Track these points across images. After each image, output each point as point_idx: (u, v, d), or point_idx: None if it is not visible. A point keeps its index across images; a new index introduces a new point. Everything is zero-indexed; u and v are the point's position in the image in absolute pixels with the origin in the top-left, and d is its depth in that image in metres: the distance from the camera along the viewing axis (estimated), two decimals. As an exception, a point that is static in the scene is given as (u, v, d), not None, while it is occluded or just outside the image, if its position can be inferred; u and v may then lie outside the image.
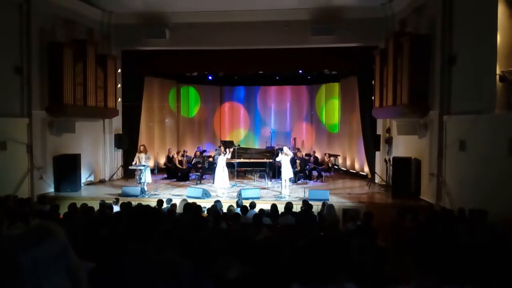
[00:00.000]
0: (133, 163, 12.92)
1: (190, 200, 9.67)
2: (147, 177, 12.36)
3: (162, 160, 16.91)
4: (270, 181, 14.45)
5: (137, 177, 12.53)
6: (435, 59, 10.61)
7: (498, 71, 8.17)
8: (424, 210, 9.82)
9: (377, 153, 14.24)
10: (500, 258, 3.82)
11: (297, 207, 9.40)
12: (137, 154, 13.17)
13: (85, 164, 13.52)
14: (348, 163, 17.23)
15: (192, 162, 15.76)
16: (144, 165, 12.34)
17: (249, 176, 15.83)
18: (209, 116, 20.09)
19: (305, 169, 15.23)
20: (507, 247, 4.58)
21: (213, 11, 13.74)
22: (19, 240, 1.20)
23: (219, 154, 12.40)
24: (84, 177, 13.53)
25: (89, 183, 13.93)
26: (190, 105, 19.49)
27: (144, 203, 9.49)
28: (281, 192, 12.06)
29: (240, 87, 20.07)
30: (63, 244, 1.25)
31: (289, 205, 8.77)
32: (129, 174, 14.72)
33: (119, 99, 14.83)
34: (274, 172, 14.54)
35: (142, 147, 12.95)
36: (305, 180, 14.87)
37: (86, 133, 13.82)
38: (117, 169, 15.22)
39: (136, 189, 11.83)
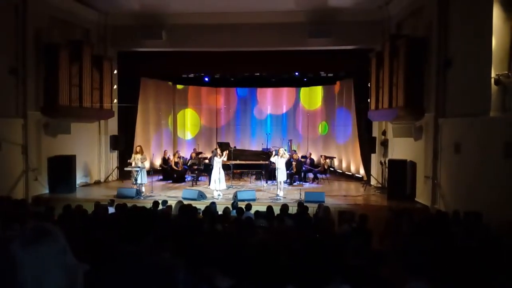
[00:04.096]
0: (129, 161, 12.84)
1: (185, 202, 9.65)
2: (143, 178, 12.33)
3: (158, 162, 16.89)
4: (266, 183, 14.47)
5: (133, 178, 12.50)
6: (431, 62, 10.66)
7: (493, 74, 8.22)
8: (419, 212, 9.86)
9: (372, 155, 14.29)
10: (493, 261, 3.84)
11: (293, 209, 9.40)
12: (133, 155, 13.10)
13: (80, 166, 13.47)
14: (344, 165, 17.27)
15: (188, 164, 15.75)
16: (139, 167, 12.30)
17: (245, 178, 15.83)
18: (204, 118, 20.07)
19: (301, 171, 15.25)
20: (501, 250, 4.60)
21: (210, 12, 13.74)
22: (19, 238, 1.20)
23: (215, 156, 12.38)
24: (79, 178, 13.48)
25: (84, 185, 13.88)
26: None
27: (139, 204, 9.50)
28: (277, 194, 12.06)
29: (237, 89, 20.06)
30: (63, 243, 1.26)
31: (285, 207, 8.76)
32: (124, 175, 14.69)
33: (115, 100, 14.78)
34: (270, 174, 14.54)
35: (138, 148, 12.88)
36: (300, 182, 14.89)
37: (81, 134, 13.76)
38: (112, 171, 15.18)
39: (131, 191, 11.80)
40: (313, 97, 19.35)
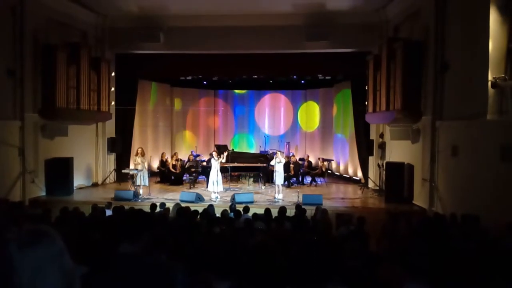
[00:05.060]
0: (132, 163, 12.80)
1: (183, 204, 9.64)
2: (144, 180, 12.31)
3: (155, 164, 16.86)
4: (264, 185, 14.47)
5: (134, 179, 12.49)
6: (428, 65, 10.69)
7: (490, 78, 8.26)
8: (417, 215, 9.86)
9: (370, 158, 14.31)
10: (491, 264, 3.85)
11: (291, 212, 9.40)
12: (134, 157, 13.03)
13: (78, 168, 13.41)
14: (341, 168, 17.28)
15: (186, 166, 15.73)
16: (137, 169, 12.28)
17: (243, 180, 15.82)
18: (202, 120, 20.06)
19: (299, 174, 15.25)
20: (498, 252, 4.60)
21: (208, 15, 13.76)
22: (15, 241, 1.19)
23: (213, 158, 12.37)
24: (77, 181, 13.43)
25: (82, 187, 13.84)
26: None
27: (137, 207, 9.48)
28: (275, 197, 12.06)
29: (234, 91, 20.07)
30: (60, 246, 1.26)
31: (282, 210, 8.76)
32: (122, 177, 14.65)
33: (113, 103, 14.77)
34: (268, 176, 14.54)
35: (139, 150, 12.83)
36: (298, 185, 14.89)
37: (79, 136, 13.73)
38: (110, 173, 15.14)
39: (129, 193, 11.78)
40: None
